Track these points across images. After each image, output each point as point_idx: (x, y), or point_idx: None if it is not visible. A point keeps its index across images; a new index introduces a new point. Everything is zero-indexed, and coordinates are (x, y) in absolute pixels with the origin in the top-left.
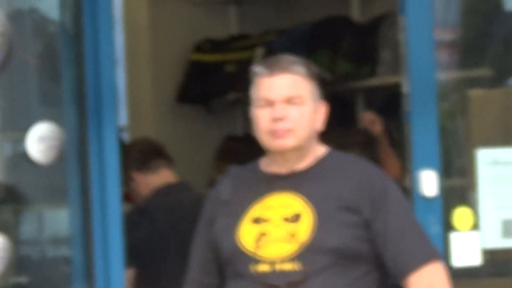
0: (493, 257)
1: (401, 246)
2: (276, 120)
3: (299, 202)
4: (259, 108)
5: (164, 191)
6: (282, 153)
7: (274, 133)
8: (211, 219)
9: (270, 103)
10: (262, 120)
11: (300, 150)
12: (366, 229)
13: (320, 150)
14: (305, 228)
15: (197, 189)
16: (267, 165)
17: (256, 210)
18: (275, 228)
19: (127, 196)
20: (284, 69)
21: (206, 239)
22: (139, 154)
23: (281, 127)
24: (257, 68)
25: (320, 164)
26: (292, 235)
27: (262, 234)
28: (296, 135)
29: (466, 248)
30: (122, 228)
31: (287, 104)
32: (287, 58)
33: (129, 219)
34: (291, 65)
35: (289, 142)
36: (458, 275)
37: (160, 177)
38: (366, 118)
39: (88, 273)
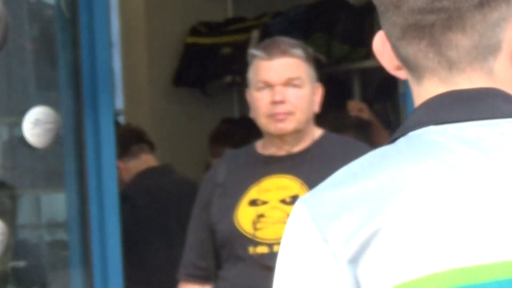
0: None
1: None
2: (276, 103)
3: (296, 184)
4: (258, 91)
5: (146, 175)
6: (281, 136)
7: (274, 116)
8: (207, 202)
9: (269, 86)
10: (261, 103)
11: (298, 132)
12: None
13: (317, 132)
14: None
15: (180, 172)
16: (263, 147)
17: (253, 192)
18: (273, 210)
19: None
20: (283, 52)
21: (203, 222)
22: (119, 141)
23: (281, 110)
24: (255, 51)
25: (317, 146)
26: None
27: (260, 216)
28: (296, 118)
29: None
30: (118, 211)
31: (286, 87)
32: (285, 40)
33: None
34: (290, 48)
35: (289, 125)
36: None
37: (141, 162)
38: (352, 106)
39: (86, 257)
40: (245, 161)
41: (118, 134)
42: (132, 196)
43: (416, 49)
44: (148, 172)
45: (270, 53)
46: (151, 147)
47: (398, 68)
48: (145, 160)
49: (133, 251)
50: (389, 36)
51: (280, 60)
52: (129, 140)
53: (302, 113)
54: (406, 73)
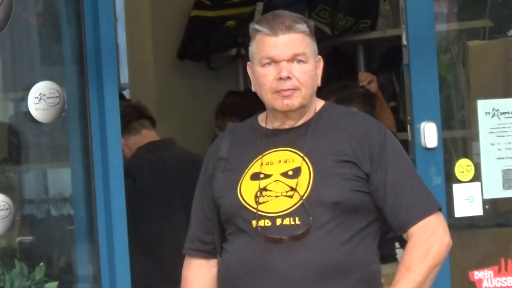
0: (494, 207)
1: (401, 198)
2: (282, 79)
3: (298, 157)
4: (263, 67)
5: (146, 149)
6: (286, 111)
7: (280, 93)
8: (210, 175)
9: (274, 62)
10: (267, 79)
11: (305, 107)
12: (366, 181)
13: (319, 104)
14: (304, 183)
15: (187, 146)
16: (266, 121)
17: (256, 166)
18: (275, 183)
19: None
20: (288, 27)
21: (207, 195)
22: (124, 115)
23: (287, 86)
24: (258, 26)
25: (318, 118)
26: (292, 190)
27: (263, 190)
28: (302, 93)
29: (468, 199)
30: (123, 185)
31: (291, 63)
32: (289, 15)
33: None
34: (295, 24)
35: (295, 101)
36: (459, 225)
37: (142, 138)
38: (363, 77)
39: (91, 231)
40: (247, 135)
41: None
42: (134, 171)
43: None
44: (149, 147)
45: (275, 28)
46: (152, 122)
47: None
48: (147, 136)
49: (135, 226)
50: None
51: (285, 36)
52: (130, 116)
53: (307, 88)
54: None
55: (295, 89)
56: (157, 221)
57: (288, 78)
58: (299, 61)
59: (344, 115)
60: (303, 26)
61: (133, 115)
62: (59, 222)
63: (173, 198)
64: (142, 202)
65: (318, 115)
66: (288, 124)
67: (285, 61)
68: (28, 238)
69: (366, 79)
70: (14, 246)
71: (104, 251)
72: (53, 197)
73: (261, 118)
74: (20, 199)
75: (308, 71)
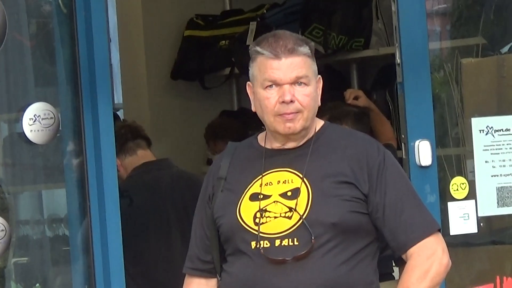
0: (489, 224)
1: (400, 219)
2: (285, 102)
3: (298, 178)
4: (265, 89)
5: (143, 170)
6: (288, 134)
7: (282, 116)
8: (210, 195)
9: (277, 85)
10: (269, 101)
11: (305, 130)
12: (365, 202)
13: (318, 124)
14: (303, 204)
15: (180, 165)
16: (266, 141)
17: (255, 186)
18: (275, 204)
19: None
20: (290, 51)
21: (206, 215)
22: (116, 139)
23: (290, 109)
24: (261, 49)
25: (318, 138)
26: (291, 211)
27: (262, 210)
28: (304, 116)
29: (462, 217)
30: (118, 205)
31: (293, 86)
32: (291, 37)
33: None
34: (297, 46)
35: (297, 125)
36: (455, 243)
37: (138, 158)
38: (348, 94)
39: (87, 251)
40: (247, 154)
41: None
42: (130, 191)
43: None
44: (145, 167)
45: (277, 51)
46: (148, 142)
47: None
48: (142, 156)
49: (132, 246)
50: None
51: (288, 59)
52: (125, 136)
53: (309, 111)
54: None
55: (297, 112)
56: (154, 241)
57: (291, 101)
58: (302, 83)
59: (343, 135)
60: (305, 49)
61: (128, 135)
62: (55, 242)
63: (169, 218)
64: (138, 222)
65: (318, 135)
66: (288, 145)
67: (288, 84)
68: (24, 259)
69: (351, 96)
70: (9, 267)
71: (100, 271)
72: (48, 217)
73: (261, 138)
74: (15, 220)
75: (310, 93)
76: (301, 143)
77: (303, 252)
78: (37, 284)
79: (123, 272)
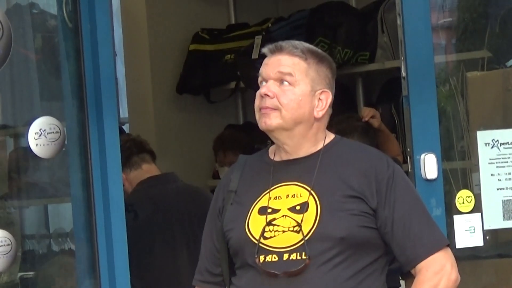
0: (495, 237)
1: (409, 234)
2: (264, 96)
3: (306, 192)
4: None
5: (148, 184)
6: (270, 133)
7: (260, 111)
8: (220, 208)
9: (265, 81)
10: (256, 97)
11: (290, 132)
12: (373, 217)
13: (328, 137)
14: (311, 218)
15: (186, 179)
16: (274, 153)
17: (264, 200)
18: (283, 218)
19: None
20: (280, 48)
21: (216, 228)
22: (123, 150)
23: (266, 104)
24: (264, 49)
25: (327, 150)
26: (299, 225)
27: (270, 225)
28: (281, 115)
29: (468, 230)
30: (124, 220)
31: (278, 83)
32: (293, 41)
33: None
34: (291, 47)
35: (273, 121)
36: (461, 256)
37: (143, 172)
38: (365, 112)
39: (93, 266)
40: (257, 167)
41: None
42: (135, 205)
43: None
44: (151, 181)
45: (271, 50)
46: (153, 156)
47: None
48: (147, 170)
49: (137, 260)
50: None
51: (276, 56)
52: (130, 151)
53: (289, 111)
54: None
55: (274, 108)
56: (159, 255)
57: (270, 96)
58: (286, 82)
59: (353, 149)
60: (298, 51)
61: (133, 149)
62: (61, 257)
63: (174, 232)
64: (144, 236)
65: (327, 147)
66: (291, 152)
67: (272, 80)
68: (30, 274)
69: (368, 115)
70: (15, 282)
71: (106, 285)
72: (54, 232)
73: (271, 150)
74: (21, 235)
75: (293, 94)
76: (309, 153)
77: (296, 269)
78: None
79: (130, 287)
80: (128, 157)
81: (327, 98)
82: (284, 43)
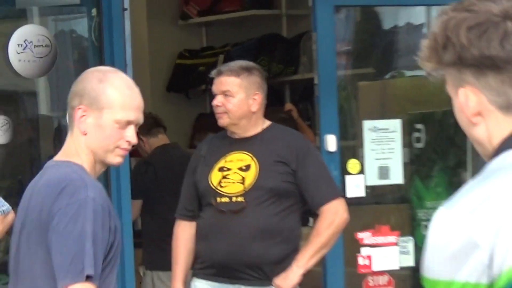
0: (373, 191)
1: (316, 187)
2: (216, 107)
3: (249, 158)
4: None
5: (162, 149)
6: (225, 127)
7: (216, 114)
8: (194, 168)
9: (216, 94)
10: (213, 105)
11: (237, 124)
12: (293, 175)
13: (266, 123)
14: (252, 175)
15: (183, 148)
16: (229, 134)
17: (222, 162)
18: (233, 174)
19: (136, 152)
20: (222, 73)
21: (192, 180)
22: (145, 124)
23: (218, 111)
24: (213, 72)
25: (265, 132)
26: (243, 179)
27: (225, 178)
28: (229, 116)
29: (355, 185)
30: (130, 206)
31: (223, 95)
32: (230, 65)
33: (138, 167)
34: (227, 71)
35: (225, 121)
36: (350, 203)
37: (158, 140)
38: (287, 106)
39: None
40: (219, 142)
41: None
42: (154, 163)
43: None
44: (164, 147)
45: (217, 73)
46: (165, 129)
47: (477, 115)
48: (161, 138)
49: (152, 199)
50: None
51: (219, 78)
52: (151, 124)
53: (233, 113)
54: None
55: (223, 113)
56: (168, 198)
57: (220, 106)
58: (227, 95)
59: (281, 131)
60: (231, 72)
61: (153, 123)
62: None
63: (179, 185)
64: (158, 185)
65: (264, 130)
66: (237, 135)
67: (219, 94)
68: None
69: (288, 108)
70: None
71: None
72: None
73: (229, 132)
74: None
75: (233, 102)
76: (251, 134)
77: (237, 208)
78: None
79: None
80: (149, 128)
81: (259, 97)
82: (223, 68)
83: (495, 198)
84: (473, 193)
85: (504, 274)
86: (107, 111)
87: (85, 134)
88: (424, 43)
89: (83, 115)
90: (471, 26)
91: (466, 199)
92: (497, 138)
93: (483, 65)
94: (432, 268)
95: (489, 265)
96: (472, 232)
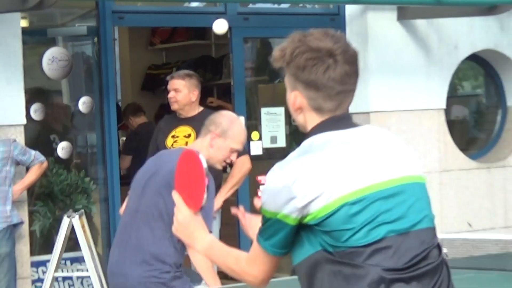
0: (267, 151)
1: None
2: (170, 98)
3: (190, 129)
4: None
5: (142, 125)
6: (175, 111)
7: (170, 103)
8: (156, 136)
9: (170, 91)
10: (168, 97)
11: (183, 109)
12: None
13: (200, 108)
14: (192, 140)
15: (153, 125)
16: (178, 115)
17: (173, 132)
18: (180, 139)
19: (124, 126)
20: (174, 77)
21: (155, 144)
22: (131, 108)
23: (171, 101)
24: (169, 77)
25: (200, 114)
26: (186, 143)
27: (175, 142)
28: (178, 104)
29: (256, 147)
30: (118, 164)
31: (175, 92)
32: (179, 72)
33: (129, 135)
34: (177, 76)
35: (175, 107)
36: (253, 158)
37: (140, 119)
38: (209, 100)
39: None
40: (171, 119)
41: (128, 106)
42: (139, 133)
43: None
44: (144, 124)
45: (170, 77)
46: (144, 113)
47: (299, 108)
48: (142, 118)
49: (138, 156)
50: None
51: (172, 80)
52: (135, 109)
53: (181, 102)
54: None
55: (174, 102)
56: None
57: (172, 98)
58: (176, 91)
59: (209, 113)
60: (180, 77)
61: (137, 108)
62: None
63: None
64: (142, 146)
65: (199, 112)
66: (183, 115)
67: (172, 91)
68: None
69: (209, 101)
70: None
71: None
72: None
73: (178, 113)
74: None
75: (180, 95)
76: (192, 114)
77: None
78: None
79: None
80: (135, 112)
81: (196, 93)
82: (174, 74)
83: (309, 163)
84: (297, 159)
85: (320, 209)
86: (230, 141)
87: (211, 147)
88: (277, 50)
89: (214, 137)
90: (308, 58)
91: (292, 163)
92: (310, 125)
93: (309, 84)
94: (264, 202)
95: (301, 208)
96: (291, 184)
